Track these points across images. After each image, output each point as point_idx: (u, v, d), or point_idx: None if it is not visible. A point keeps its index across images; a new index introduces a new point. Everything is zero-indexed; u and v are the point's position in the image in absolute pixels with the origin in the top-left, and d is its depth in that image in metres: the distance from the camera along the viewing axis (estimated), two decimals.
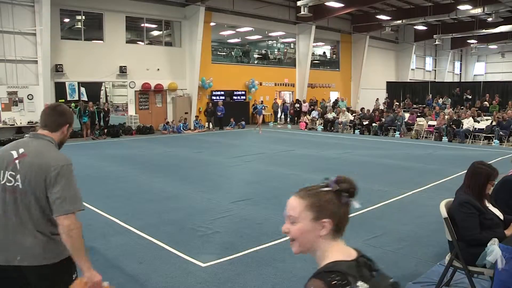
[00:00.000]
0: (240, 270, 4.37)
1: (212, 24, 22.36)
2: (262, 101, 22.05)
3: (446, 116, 17.53)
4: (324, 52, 31.33)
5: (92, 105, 18.34)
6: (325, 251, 1.37)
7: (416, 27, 30.99)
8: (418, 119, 18.94)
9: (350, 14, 28.26)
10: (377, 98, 26.68)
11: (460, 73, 44.98)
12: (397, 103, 25.17)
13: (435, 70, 40.81)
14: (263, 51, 27.22)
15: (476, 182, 3.40)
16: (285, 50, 27.99)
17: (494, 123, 16.01)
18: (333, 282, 1.23)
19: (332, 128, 20.76)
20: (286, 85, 26.69)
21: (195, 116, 21.37)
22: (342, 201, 1.35)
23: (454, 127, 16.52)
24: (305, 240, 1.41)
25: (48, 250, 2.27)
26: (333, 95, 29.08)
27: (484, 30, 28.92)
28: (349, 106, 27.11)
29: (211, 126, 21.37)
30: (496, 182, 3.79)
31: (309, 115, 22.92)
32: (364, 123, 19.71)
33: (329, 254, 1.36)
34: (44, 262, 2.26)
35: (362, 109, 21.96)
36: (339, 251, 1.35)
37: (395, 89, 28.51)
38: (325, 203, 1.35)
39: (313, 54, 27.63)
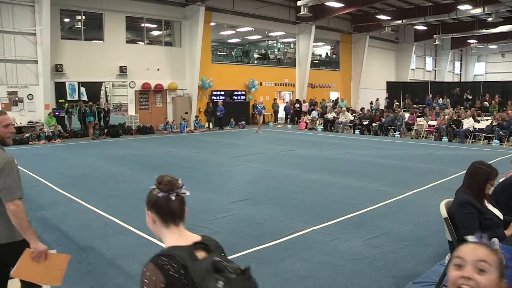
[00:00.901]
0: None
1: (212, 24, 22.37)
2: (262, 101, 22.03)
3: (446, 116, 17.53)
4: (327, 53, 31.35)
5: (93, 105, 18.38)
6: (162, 237, 1.69)
7: (416, 27, 30.99)
8: (418, 119, 18.93)
9: (350, 14, 28.27)
10: (377, 98, 26.67)
11: (460, 73, 44.98)
12: (397, 103, 25.16)
13: (435, 70, 40.82)
14: (263, 51, 27.23)
15: (475, 182, 3.39)
16: (285, 50, 28.00)
17: (494, 123, 16.00)
18: (162, 264, 1.51)
19: (332, 128, 20.77)
20: (286, 85, 26.69)
21: (195, 116, 21.38)
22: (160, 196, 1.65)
23: (454, 127, 16.52)
24: (153, 230, 1.72)
25: (9, 229, 2.80)
26: (333, 95, 29.09)
27: (484, 30, 28.94)
28: (349, 106, 27.09)
29: (211, 126, 21.38)
30: (496, 183, 3.79)
31: (309, 115, 22.92)
32: (364, 123, 19.71)
33: (165, 240, 1.67)
34: (5, 241, 2.82)
35: (362, 109, 21.95)
36: (173, 237, 1.64)
37: (395, 89, 28.52)
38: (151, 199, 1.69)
39: (313, 54, 27.63)
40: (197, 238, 1.65)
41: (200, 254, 1.54)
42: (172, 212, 1.67)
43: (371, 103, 25.82)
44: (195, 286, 1.43)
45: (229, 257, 4.90)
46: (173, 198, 1.69)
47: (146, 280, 1.49)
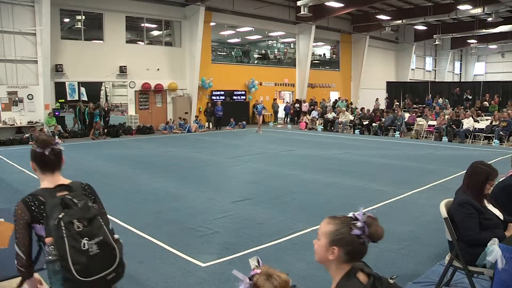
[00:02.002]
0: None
1: (212, 24, 22.37)
2: (262, 101, 22.04)
3: (446, 116, 17.53)
4: (324, 54, 31.33)
5: (92, 105, 18.39)
6: (40, 181, 2.24)
7: (416, 27, 31.00)
8: (418, 119, 18.94)
9: (350, 14, 28.27)
10: (377, 98, 26.69)
11: (460, 73, 44.98)
12: (397, 103, 25.17)
13: (435, 70, 40.82)
14: (263, 51, 27.23)
15: (475, 182, 3.39)
16: (285, 50, 28.00)
17: (494, 123, 15.99)
18: (28, 201, 2.05)
19: (332, 128, 20.77)
20: (286, 85, 26.70)
21: (195, 116, 21.38)
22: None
23: (454, 127, 16.52)
24: (37, 176, 2.25)
25: None
26: (333, 95, 29.09)
27: (484, 30, 28.93)
28: (350, 103, 27.10)
29: (210, 126, 21.39)
30: (496, 183, 3.78)
31: (309, 115, 22.92)
32: (364, 123, 19.72)
33: (40, 183, 2.17)
34: None
35: (362, 109, 21.95)
36: (44, 182, 2.19)
37: (395, 89, 28.53)
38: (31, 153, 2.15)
39: (313, 54, 27.63)
40: (65, 181, 2.20)
41: (60, 193, 2.02)
42: (46, 163, 2.20)
43: (377, 99, 25.95)
44: (48, 216, 1.92)
45: (229, 257, 4.91)
46: (47, 152, 2.16)
47: (16, 214, 1.93)
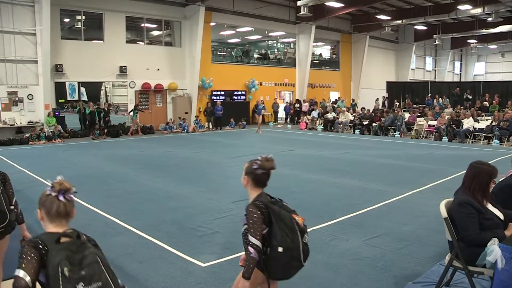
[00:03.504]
0: (240, 270, 4.37)
1: (212, 24, 22.36)
2: (262, 101, 22.06)
3: (447, 116, 17.53)
4: (321, 53, 31.32)
5: (92, 105, 18.39)
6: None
7: (416, 27, 31.00)
8: (418, 119, 18.93)
9: (350, 14, 28.27)
10: (377, 98, 26.71)
11: (460, 73, 44.98)
12: (397, 103, 25.18)
13: (435, 70, 40.82)
14: (263, 51, 27.23)
15: (478, 182, 3.37)
16: (285, 50, 28.00)
17: (494, 123, 15.98)
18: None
19: (332, 128, 20.77)
20: (286, 85, 26.69)
21: (195, 116, 21.38)
22: None
23: (454, 127, 16.52)
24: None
25: None
26: (333, 95, 29.10)
27: (484, 30, 28.93)
28: (353, 100, 27.15)
29: (210, 126, 21.39)
30: (496, 182, 3.78)
31: (309, 115, 22.92)
32: (364, 123, 19.71)
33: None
34: None
35: (362, 109, 21.96)
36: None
37: (395, 89, 28.53)
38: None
39: (313, 54, 27.63)
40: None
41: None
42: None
43: (377, 99, 26.01)
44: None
45: (229, 257, 4.90)
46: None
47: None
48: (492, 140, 15.46)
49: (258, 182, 2.61)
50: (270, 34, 26.72)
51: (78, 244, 1.97)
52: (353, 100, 27.78)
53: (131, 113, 19.35)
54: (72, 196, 2.09)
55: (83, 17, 18.53)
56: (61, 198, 2.05)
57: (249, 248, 2.45)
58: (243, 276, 2.49)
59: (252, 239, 2.46)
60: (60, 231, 2.01)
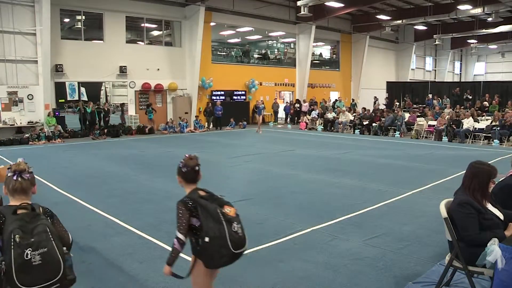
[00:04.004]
0: (240, 270, 4.37)
1: (212, 24, 22.36)
2: (262, 101, 22.08)
3: (447, 116, 17.52)
4: (321, 53, 31.31)
5: (93, 105, 18.39)
6: None
7: (416, 27, 31.00)
8: (418, 119, 18.93)
9: (350, 14, 28.27)
10: (377, 98, 26.70)
11: (460, 73, 44.98)
12: (397, 103, 25.18)
13: (435, 70, 40.82)
14: (263, 51, 27.23)
15: (477, 182, 3.38)
16: (285, 50, 28.00)
17: (494, 123, 15.97)
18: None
19: (332, 128, 20.77)
20: (286, 85, 26.69)
21: (195, 116, 21.38)
22: None
23: (454, 127, 16.52)
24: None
25: None
26: (333, 95, 29.10)
27: (484, 30, 28.93)
28: (352, 102, 27.17)
29: (211, 126, 21.39)
30: (496, 182, 3.78)
31: (309, 115, 22.92)
32: (364, 123, 19.71)
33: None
34: None
35: (363, 108, 21.93)
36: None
37: (395, 89, 28.53)
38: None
39: (313, 54, 27.63)
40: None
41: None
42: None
43: (377, 99, 26.03)
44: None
45: None
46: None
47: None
48: (492, 140, 15.46)
49: (187, 180, 2.88)
50: (270, 34, 26.72)
51: (32, 215, 2.30)
52: (353, 100, 27.83)
53: (146, 113, 19.71)
54: (27, 175, 2.49)
55: (83, 17, 18.52)
56: (15, 177, 2.41)
57: (174, 240, 2.72)
58: (166, 262, 2.81)
59: (177, 232, 2.71)
60: (17, 204, 2.36)
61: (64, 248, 2.34)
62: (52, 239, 2.23)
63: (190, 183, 2.89)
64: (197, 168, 2.91)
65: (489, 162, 3.54)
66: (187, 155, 3.01)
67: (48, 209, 2.51)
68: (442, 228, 3.60)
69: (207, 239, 2.66)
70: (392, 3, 26.33)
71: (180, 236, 2.71)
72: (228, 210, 2.75)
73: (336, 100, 26.60)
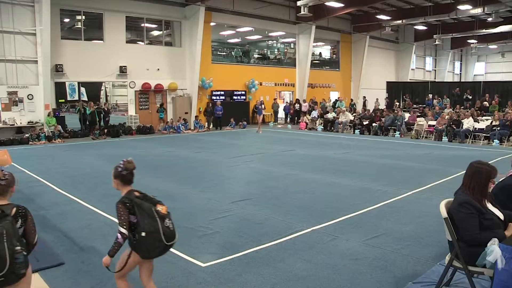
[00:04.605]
0: (240, 270, 4.37)
1: (212, 24, 22.36)
2: (262, 101, 22.06)
3: (447, 116, 17.52)
4: (320, 52, 31.30)
5: (93, 105, 18.39)
6: None
7: (416, 27, 30.99)
8: (418, 119, 18.93)
9: (350, 14, 28.26)
10: (377, 98, 26.71)
11: (460, 73, 44.97)
12: (397, 103, 25.18)
13: (435, 70, 40.81)
14: (263, 51, 27.21)
15: (477, 182, 3.38)
16: (285, 50, 27.99)
17: (494, 123, 15.97)
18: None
19: (332, 128, 20.77)
20: (286, 85, 26.69)
21: (195, 116, 21.38)
22: None
23: (454, 127, 16.52)
24: None
25: None
26: (333, 95, 29.10)
27: (484, 30, 28.92)
28: (351, 102, 27.20)
29: (211, 126, 21.39)
30: (496, 182, 3.78)
31: (309, 115, 22.92)
32: (364, 123, 19.71)
33: None
34: None
35: (363, 108, 21.92)
36: None
37: (395, 89, 28.53)
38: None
39: (313, 54, 27.63)
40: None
41: None
42: None
43: (377, 99, 26.05)
44: None
45: (229, 257, 4.90)
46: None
47: None
48: (492, 140, 15.46)
49: (125, 181, 3.21)
50: (270, 34, 26.71)
51: None
52: (352, 100, 27.82)
53: (158, 113, 20.21)
54: (3, 182, 2.76)
55: (83, 17, 18.52)
56: None
57: (118, 234, 2.99)
58: (108, 253, 3.06)
59: (120, 228, 3.00)
60: None
61: (19, 248, 2.69)
62: (5, 241, 2.59)
63: (126, 184, 3.21)
64: (134, 171, 3.23)
65: (489, 162, 3.54)
66: (125, 159, 3.23)
67: (22, 210, 2.82)
68: (442, 228, 3.60)
69: (143, 234, 2.99)
70: (392, 3, 26.32)
71: (123, 230, 2.99)
72: (160, 208, 3.10)
73: (336, 100, 26.60)
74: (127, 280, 3.36)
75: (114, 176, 3.21)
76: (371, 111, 21.21)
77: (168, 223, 3.10)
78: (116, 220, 4.37)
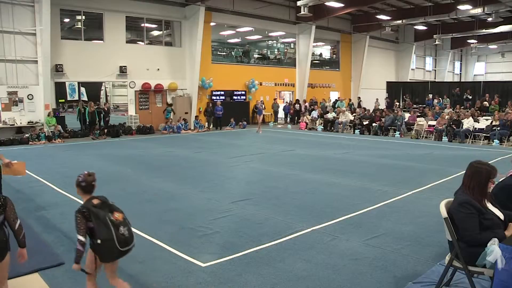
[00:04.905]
0: (240, 270, 4.37)
1: (212, 24, 22.36)
2: (262, 101, 22.05)
3: (446, 116, 17.52)
4: (321, 53, 31.31)
5: (93, 105, 18.40)
6: None
7: (416, 27, 30.99)
8: (418, 119, 18.93)
9: (350, 14, 28.26)
10: (377, 98, 26.72)
11: (460, 73, 44.97)
12: (397, 103, 25.17)
13: (435, 70, 40.81)
14: (263, 51, 27.21)
15: (477, 182, 3.39)
16: (285, 50, 28.00)
17: (494, 123, 15.96)
18: None
19: (332, 128, 20.77)
20: (286, 85, 26.69)
21: (195, 116, 21.38)
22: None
23: (454, 127, 16.52)
24: None
25: None
26: (333, 95, 29.10)
27: (484, 30, 28.92)
28: (349, 102, 27.19)
29: (211, 126, 21.39)
30: (496, 182, 3.78)
31: (309, 115, 22.92)
32: (364, 123, 19.71)
33: None
34: None
35: (363, 108, 21.91)
36: None
37: (395, 89, 28.53)
38: None
39: (313, 54, 27.63)
40: None
41: None
42: None
43: (377, 99, 26.05)
44: None
45: (229, 257, 4.90)
46: None
47: None
48: (492, 140, 15.46)
49: (85, 191, 3.39)
50: (270, 34, 26.70)
51: None
52: (350, 100, 27.77)
53: (165, 113, 20.16)
54: None
55: (83, 17, 18.52)
56: None
57: (77, 241, 3.20)
58: (74, 261, 3.29)
59: (78, 236, 3.19)
60: None
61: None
62: None
63: (86, 193, 3.40)
64: (93, 183, 3.43)
65: (489, 162, 3.54)
66: (86, 172, 3.46)
67: (3, 200, 3.13)
68: (442, 228, 3.60)
69: (99, 241, 3.22)
70: (392, 3, 26.32)
71: (81, 238, 3.19)
72: (117, 215, 3.33)
73: (336, 100, 26.60)
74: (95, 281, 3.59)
75: (75, 185, 3.42)
76: (371, 111, 21.19)
77: (123, 230, 3.33)
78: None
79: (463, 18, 28.13)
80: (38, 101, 16.62)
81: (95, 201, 3.35)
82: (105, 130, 17.92)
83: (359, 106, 24.76)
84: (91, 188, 3.43)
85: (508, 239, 3.24)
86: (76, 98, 18.39)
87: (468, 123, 16.41)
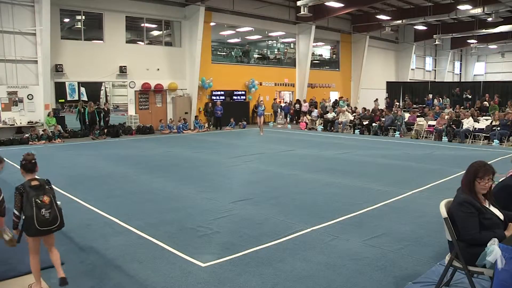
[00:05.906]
0: (240, 270, 4.37)
1: (212, 24, 22.37)
2: (262, 101, 22.03)
3: (446, 116, 17.52)
4: (321, 54, 31.31)
5: (93, 105, 18.39)
6: None
7: (416, 27, 31.00)
8: (418, 119, 18.93)
9: (350, 14, 28.27)
10: (377, 98, 26.72)
11: (460, 73, 44.99)
12: (397, 103, 25.17)
13: (435, 70, 40.83)
14: (263, 51, 27.21)
15: (466, 180, 3.47)
16: (285, 50, 28.00)
17: (494, 123, 15.95)
18: None
19: (332, 128, 20.77)
20: (286, 85, 26.70)
21: (195, 116, 21.38)
22: None
23: (454, 127, 16.52)
24: None
25: None
26: (333, 95, 29.10)
27: (484, 30, 28.94)
28: (346, 102, 27.21)
29: (211, 126, 21.38)
30: (495, 183, 3.78)
31: (309, 115, 22.92)
32: (364, 123, 19.71)
33: None
34: None
35: (363, 108, 21.91)
36: None
37: (395, 89, 28.53)
38: None
39: (313, 54, 27.64)
40: None
41: None
42: None
43: (377, 99, 26.03)
44: None
45: (229, 257, 4.90)
46: None
47: None
48: (492, 140, 15.46)
49: (26, 170, 3.83)
50: (270, 34, 26.71)
51: None
52: (347, 100, 27.78)
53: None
54: None
55: (83, 17, 18.52)
56: None
57: (13, 213, 3.70)
58: (12, 227, 3.75)
59: (14, 210, 3.69)
60: None
61: None
62: None
63: (28, 173, 3.81)
64: (33, 161, 3.87)
65: (489, 163, 3.54)
66: (25, 153, 3.93)
67: None
68: (442, 228, 3.60)
69: (23, 217, 3.68)
70: (392, 3, 26.33)
71: (16, 212, 3.69)
72: (45, 198, 3.72)
73: (336, 99, 26.59)
74: (38, 257, 3.86)
75: (20, 166, 3.88)
76: (370, 111, 21.18)
77: (45, 212, 3.69)
78: (116, 220, 4.64)
79: (463, 18, 28.14)
80: (38, 101, 16.62)
81: (34, 182, 3.75)
82: (105, 130, 17.93)
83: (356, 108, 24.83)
84: (32, 166, 3.85)
85: (508, 239, 3.24)
86: (76, 98, 18.39)
87: (468, 123, 16.41)
